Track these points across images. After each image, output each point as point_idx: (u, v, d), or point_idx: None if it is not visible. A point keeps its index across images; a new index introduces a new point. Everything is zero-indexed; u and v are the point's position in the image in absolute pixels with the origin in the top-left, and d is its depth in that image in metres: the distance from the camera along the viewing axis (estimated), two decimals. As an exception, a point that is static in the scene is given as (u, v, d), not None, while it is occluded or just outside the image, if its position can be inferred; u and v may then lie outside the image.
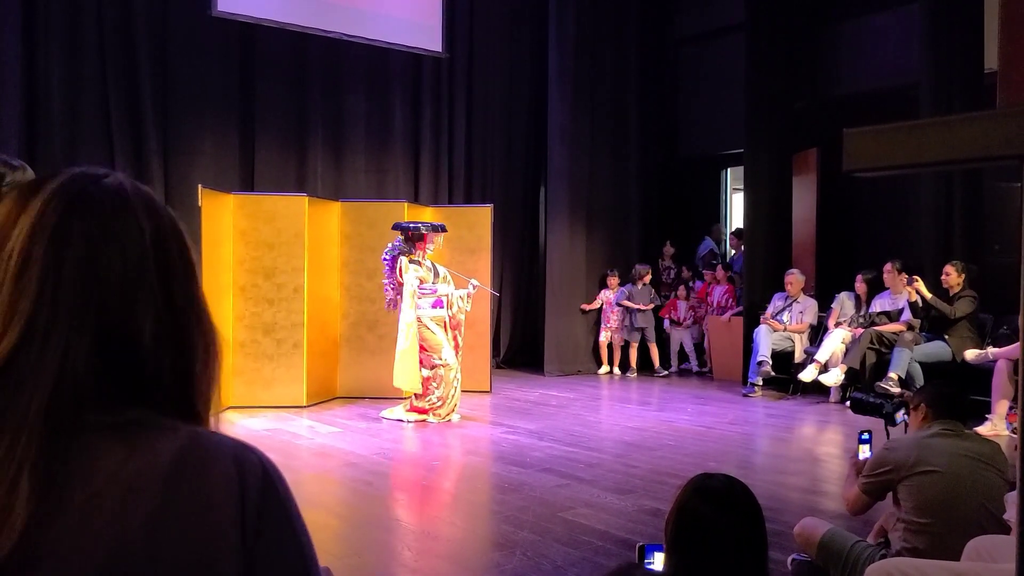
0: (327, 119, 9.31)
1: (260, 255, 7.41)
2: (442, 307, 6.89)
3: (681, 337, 10.04)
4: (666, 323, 10.03)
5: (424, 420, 6.81)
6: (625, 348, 9.93)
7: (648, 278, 9.85)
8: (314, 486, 5.11)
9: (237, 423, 6.67)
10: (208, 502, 0.72)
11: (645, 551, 1.85)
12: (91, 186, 0.79)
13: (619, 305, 9.77)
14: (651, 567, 1.73)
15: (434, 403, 6.82)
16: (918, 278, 7.27)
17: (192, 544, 0.71)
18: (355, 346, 8.08)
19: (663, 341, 10.05)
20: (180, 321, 0.79)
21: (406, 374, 6.70)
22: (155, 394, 0.76)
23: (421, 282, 6.79)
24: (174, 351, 0.78)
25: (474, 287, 7.06)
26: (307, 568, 0.77)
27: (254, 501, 0.74)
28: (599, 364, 9.98)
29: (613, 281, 9.86)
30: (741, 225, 10.02)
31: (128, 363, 0.75)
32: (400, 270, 6.72)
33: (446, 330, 6.94)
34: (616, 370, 9.89)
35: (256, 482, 0.75)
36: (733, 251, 10.31)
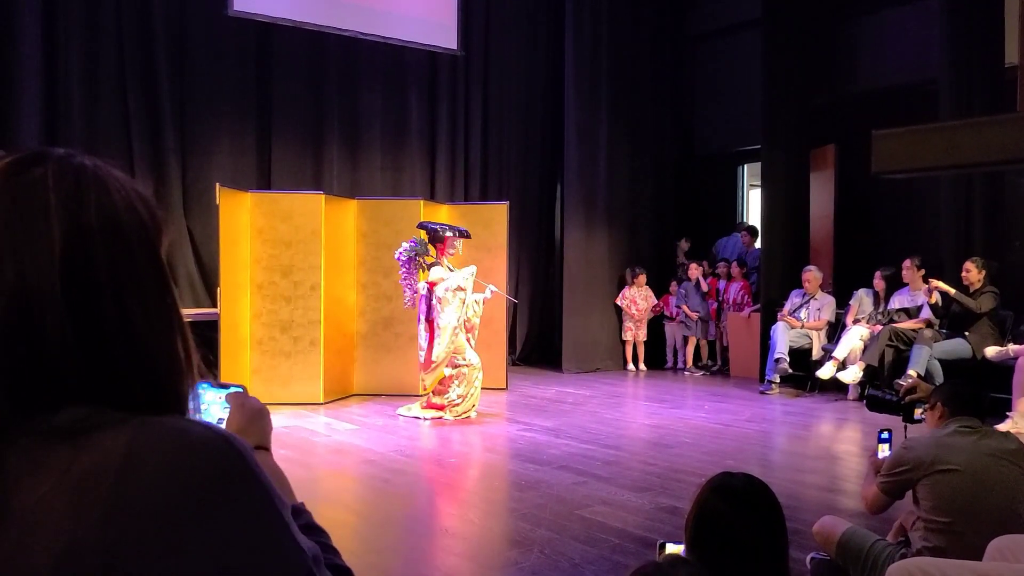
0: (343, 117, 9.35)
1: (277, 253, 7.45)
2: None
3: (674, 332, 10.04)
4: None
5: (440, 417, 6.83)
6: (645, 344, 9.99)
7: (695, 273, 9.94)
8: (331, 483, 5.14)
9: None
10: (161, 493, 0.67)
11: (664, 549, 1.85)
12: (10, 180, 0.72)
13: (678, 308, 9.87)
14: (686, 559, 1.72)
15: (453, 400, 6.84)
16: (936, 281, 7.19)
17: (149, 541, 0.66)
18: (372, 343, 8.11)
19: (662, 337, 10.20)
20: (108, 324, 0.73)
21: (435, 375, 6.81)
22: (91, 393, 0.71)
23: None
24: (101, 353, 0.72)
25: (492, 292, 7.08)
26: (273, 549, 0.72)
27: (205, 486, 0.69)
28: (626, 363, 10.02)
29: (642, 279, 9.88)
30: (757, 222, 9.98)
31: (42, 365, 0.70)
32: (431, 283, 6.73)
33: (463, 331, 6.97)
34: (642, 366, 9.94)
35: (209, 465, 0.70)
36: (746, 248, 10.30)
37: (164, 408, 0.75)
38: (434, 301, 6.73)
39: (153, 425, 0.71)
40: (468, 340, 7.03)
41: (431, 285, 6.75)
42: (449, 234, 6.82)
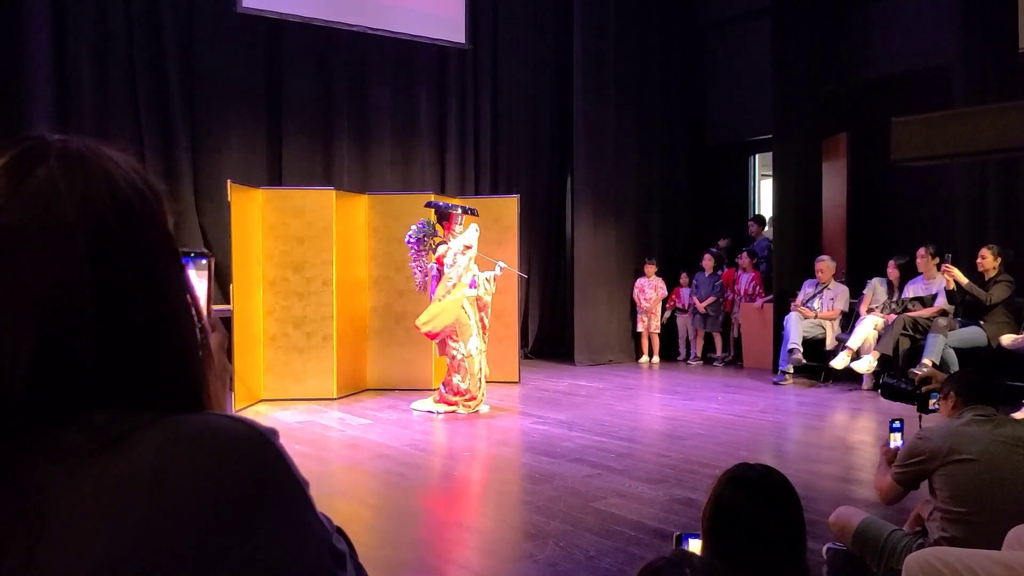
0: (353, 113, 9.36)
1: (289, 249, 7.47)
2: (475, 287, 6.90)
3: (686, 324, 10.02)
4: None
5: (453, 411, 6.84)
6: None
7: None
8: (346, 477, 5.15)
9: (269, 416, 6.74)
10: (197, 498, 0.66)
11: (682, 540, 1.85)
12: (18, 187, 0.70)
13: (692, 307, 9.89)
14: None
15: (461, 391, 6.85)
16: (949, 266, 7.14)
17: (187, 547, 0.65)
18: (384, 338, 8.13)
19: (674, 329, 10.21)
20: (140, 325, 0.71)
21: (432, 316, 6.67)
22: (119, 395, 0.70)
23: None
24: (131, 353, 0.71)
25: (501, 269, 7.08)
26: (308, 538, 0.71)
27: (241, 487, 0.68)
28: (639, 354, 10.02)
29: (651, 269, 9.87)
30: (769, 212, 9.94)
31: (73, 374, 0.69)
32: (439, 258, 6.71)
33: (475, 311, 6.96)
34: (655, 358, 9.94)
35: (242, 465, 0.69)
36: (753, 237, 10.25)
37: (191, 401, 0.75)
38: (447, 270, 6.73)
39: (182, 425, 0.70)
40: (482, 319, 7.00)
41: (439, 262, 6.74)
42: (455, 211, 6.83)
